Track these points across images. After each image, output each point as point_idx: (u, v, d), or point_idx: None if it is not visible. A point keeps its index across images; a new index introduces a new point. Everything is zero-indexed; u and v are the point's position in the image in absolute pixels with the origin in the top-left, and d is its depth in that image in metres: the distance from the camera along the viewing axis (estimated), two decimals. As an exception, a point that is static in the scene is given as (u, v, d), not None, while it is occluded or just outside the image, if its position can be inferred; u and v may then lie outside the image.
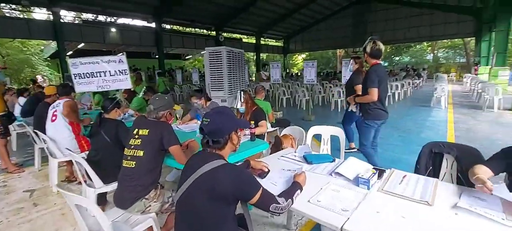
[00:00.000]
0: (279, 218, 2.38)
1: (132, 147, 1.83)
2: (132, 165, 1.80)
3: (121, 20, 15.82)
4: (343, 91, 7.49)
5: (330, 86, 10.47)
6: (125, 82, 4.66)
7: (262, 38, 24.10)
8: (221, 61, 5.24)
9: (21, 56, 16.71)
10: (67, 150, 2.85)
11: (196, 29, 19.53)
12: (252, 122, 2.40)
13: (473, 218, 1.16)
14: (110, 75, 4.53)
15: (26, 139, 4.82)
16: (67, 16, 13.46)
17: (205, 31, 19.81)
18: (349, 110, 3.52)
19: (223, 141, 1.28)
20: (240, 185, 1.16)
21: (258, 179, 1.49)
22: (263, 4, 17.37)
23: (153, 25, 15.68)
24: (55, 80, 17.04)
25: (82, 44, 15.28)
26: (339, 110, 8.11)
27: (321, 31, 24.13)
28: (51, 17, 11.63)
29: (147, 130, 1.85)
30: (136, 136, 1.85)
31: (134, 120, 2.05)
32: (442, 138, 4.84)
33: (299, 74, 22.08)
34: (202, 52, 22.95)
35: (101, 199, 2.56)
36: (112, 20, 15.37)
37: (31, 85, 9.38)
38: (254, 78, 20.09)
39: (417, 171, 2.05)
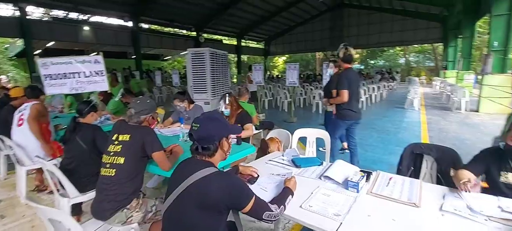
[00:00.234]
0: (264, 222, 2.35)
1: (112, 153, 1.72)
2: (112, 173, 1.69)
3: (95, 18, 15.08)
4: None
5: (311, 89, 10.66)
6: (102, 84, 4.42)
7: (243, 40, 24.08)
8: (204, 62, 5.13)
9: (-17, 54, 15.43)
10: (37, 157, 2.63)
11: (175, 29, 19.08)
12: (239, 125, 2.36)
13: (458, 219, 1.20)
14: (85, 77, 4.26)
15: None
16: (35, 12, 12.61)
17: (184, 31, 19.42)
18: (328, 110, 3.78)
19: (213, 148, 1.22)
20: (232, 194, 1.12)
21: (248, 185, 1.45)
22: (244, 6, 17.36)
23: (129, 24, 15.11)
24: (22, 81, 15.85)
25: (52, 43, 14.40)
26: (320, 112, 8.26)
27: (301, 34, 24.64)
28: (18, 13, 10.80)
29: (128, 135, 1.75)
30: (116, 142, 1.74)
31: (114, 124, 1.92)
32: (417, 138, 5.08)
33: (280, 76, 22.32)
34: (181, 53, 22.53)
35: (76, 209, 2.39)
36: (85, 18, 14.60)
37: (-6, 86, 8.64)
38: (235, 80, 20.01)
39: (399, 171, 2.12)
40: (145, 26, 17.18)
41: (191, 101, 3.40)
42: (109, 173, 1.69)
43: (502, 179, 1.43)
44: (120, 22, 15.22)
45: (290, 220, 2.35)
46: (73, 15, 13.98)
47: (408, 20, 19.33)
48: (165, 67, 25.57)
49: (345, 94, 3.03)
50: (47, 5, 12.54)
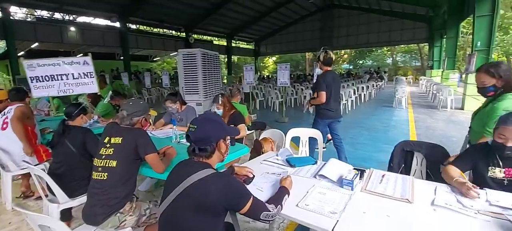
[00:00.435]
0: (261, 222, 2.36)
1: (104, 157, 1.69)
2: (104, 176, 1.66)
3: (82, 19, 14.72)
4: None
5: (302, 89, 10.74)
6: (91, 86, 4.31)
7: (233, 41, 24.03)
8: (195, 63, 5.09)
9: (-38, 56, 14.76)
10: (24, 162, 2.55)
11: (164, 30, 18.85)
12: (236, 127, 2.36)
13: (449, 213, 1.24)
14: (74, 79, 4.15)
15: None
16: (18, 13, 12.19)
17: (174, 32, 19.22)
18: (306, 110, 3.96)
19: (210, 149, 1.21)
20: (230, 195, 1.11)
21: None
22: (234, 6, 17.33)
23: (117, 24, 14.82)
24: (5, 84, 15.29)
25: (36, 44, 13.94)
26: (311, 111, 8.32)
27: (291, 34, 24.83)
28: (0, 14, 10.41)
29: (120, 138, 1.71)
30: (108, 145, 1.71)
31: (105, 127, 1.88)
32: (406, 136, 5.20)
33: (270, 76, 22.39)
34: (171, 54, 22.27)
35: (65, 215, 2.32)
36: (71, 18, 14.23)
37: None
38: (226, 81, 19.93)
39: (390, 168, 2.17)
40: (134, 26, 16.90)
41: (183, 103, 3.36)
42: (101, 176, 1.66)
43: (490, 173, 1.48)
44: (108, 22, 14.92)
45: (284, 219, 2.37)
46: (58, 15, 13.60)
47: (395, 21, 19.82)
48: (154, 68, 25.21)
49: (322, 96, 3.26)
50: (31, 5, 12.16)
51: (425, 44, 21.16)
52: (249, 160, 2.24)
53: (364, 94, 10.65)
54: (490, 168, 1.48)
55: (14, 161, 2.75)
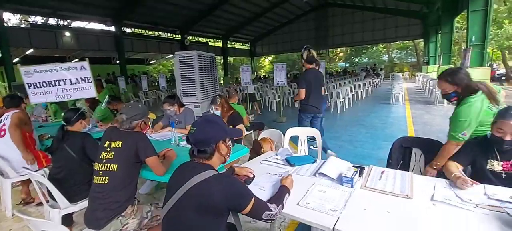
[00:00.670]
0: (262, 222, 2.37)
1: (104, 161, 1.69)
2: (105, 181, 1.66)
3: (76, 24, 14.65)
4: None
5: (299, 88, 10.74)
6: (89, 91, 4.30)
7: (229, 42, 24.03)
8: (192, 65, 5.09)
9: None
10: (24, 169, 2.53)
11: (159, 32, 18.81)
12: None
13: (448, 207, 1.26)
14: (71, 84, 4.14)
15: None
16: (11, 19, 12.10)
17: (169, 34, 19.17)
18: (298, 104, 4.25)
19: (209, 150, 1.22)
20: (233, 196, 1.12)
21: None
22: (229, 7, 17.33)
23: (112, 28, 14.76)
24: (0, 91, 15.16)
25: (31, 50, 13.85)
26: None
27: (287, 34, 24.88)
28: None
29: (120, 142, 1.72)
30: (108, 149, 1.71)
31: (105, 131, 1.89)
32: (403, 132, 5.24)
33: (267, 76, 22.41)
34: (167, 57, 22.22)
35: (66, 220, 2.31)
36: (65, 23, 14.16)
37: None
38: (222, 82, 19.92)
39: (389, 165, 2.19)
40: (129, 30, 16.84)
41: (181, 105, 3.36)
42: (102, 180, 1.66)
43: (489, 166, 1.50)
44: (103, 26, 14.86)
45: (285, 218, 2.38)
46: (52, 21, 13.52)
47: (390, 18, 19.92)
48: (150, 71, 25.14)
49: (301, 93, 3.52)
50: (24, 11, 12.08)
51: (421, 40, 21.29)
52: (249, 160, 2.25)
53: (361, 91, 10.70)
54: (489, 161, 1.51)
55: (13, 167, 2.74)
